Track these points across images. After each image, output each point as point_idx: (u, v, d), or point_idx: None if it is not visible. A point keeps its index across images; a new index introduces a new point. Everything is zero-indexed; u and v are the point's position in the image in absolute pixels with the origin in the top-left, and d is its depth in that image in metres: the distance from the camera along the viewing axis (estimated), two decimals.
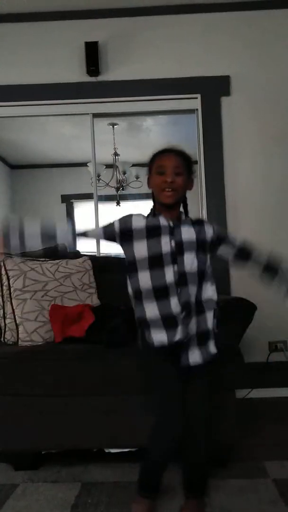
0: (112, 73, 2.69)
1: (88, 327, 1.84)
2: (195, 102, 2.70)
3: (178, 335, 1.31)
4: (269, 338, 2.60)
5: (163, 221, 1.38)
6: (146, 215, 1.44)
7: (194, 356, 1.35)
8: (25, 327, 1.89)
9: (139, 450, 1.59)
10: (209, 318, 1.38)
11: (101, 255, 2.80)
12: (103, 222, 2.96)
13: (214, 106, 2.68)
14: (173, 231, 1.36)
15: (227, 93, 2.68)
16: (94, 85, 2.68)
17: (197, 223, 1.41)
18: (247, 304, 1.78)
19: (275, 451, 1.80)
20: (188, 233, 1.36)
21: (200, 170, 2.74)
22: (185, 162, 1.39)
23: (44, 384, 1.65)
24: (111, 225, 1.43)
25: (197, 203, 2.80)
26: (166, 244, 1.33)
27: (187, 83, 2.67)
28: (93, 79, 2.68)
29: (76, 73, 2.68)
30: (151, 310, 1.33)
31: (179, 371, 1.35)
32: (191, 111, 2.76)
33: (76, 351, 1.72)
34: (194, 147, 2.79)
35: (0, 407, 1.68)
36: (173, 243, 1.34)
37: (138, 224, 1.39)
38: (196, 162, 2.79)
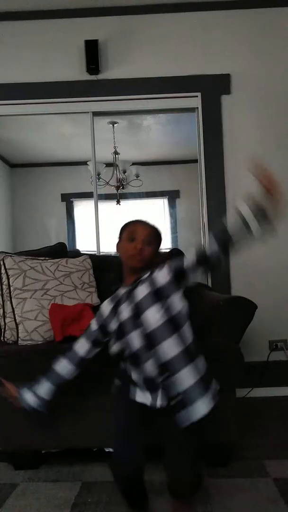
0: (112, 71, 2.68)
1: None
2: (195, 100, 2.70)
3: (160, 401, 1.21)
4: (269, 337, 2.60)
5: (121, 291, 1.35)
6: (114, 289, 1.41)
7: (202, 407, 1.19)
8: (25, 326, 1.89)
9: None
10: (200, 361, 1.24)
11: (101, 254, 2.80)
12: (103, 220, 2.96)
13: (214, 104, 2.68)
14: (130, 295, 1.29)
15: (227, 91, 2.67)
16: (94, 83, 2.68)
17: (152, 273, 1.30)
18: (247, 303, 1.78)
19: (275, 450, 1.80)
20: (143, 290, 1.27)
21: (200, 169, 2.73)
22: (157, 236, 1.36)
23: (37, 378, 1.64)
24: (89, 327, 1.41)
25: (197, 203, 2.80)
26: (126, 310, 1.29)
27: (187, 81, 2.66)
28: (93, 77, 2.67)
29: (76, 71, 2.68)
30: (134, 373, 1.28)
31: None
32: (191, 109, 2.76)
33: None
34: (194, 146, 2.78)
35: (0, 406, 1.67)
36: (131, 308, 1.27)
37: (106, 311, 1.37)
38: (195, 161, 2.79)
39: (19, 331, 1.89)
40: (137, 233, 1.33)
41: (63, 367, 1.40)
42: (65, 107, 2.73)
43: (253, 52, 2.67)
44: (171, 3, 2.64)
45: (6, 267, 2.01)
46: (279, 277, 2.63)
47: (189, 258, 1.26)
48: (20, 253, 2.19)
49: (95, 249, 2.81)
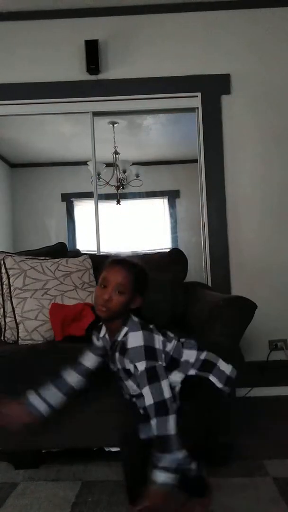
0: (112, 71, 2.68)
1: (88, 326, 1.84)
2: (195, 100, 2.70)
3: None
4: (269, 337, 2.60)
5: (106, 344, 1.35)
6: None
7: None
8: (25, 325, 1.89)
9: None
10: None
11: (101, 254, 2.80)
12: (103, 220, 2.97)
13: (214, 104, 2.68)
14: (114, 358, 1.29)
15: (227, 91, 2.67)
16: (94, 83, 2.68)
17: (123, 350, 1.25)
18: (247, 302, 1.77)
19: (275, 449, 1.79)
20: (118, 360, 1.27)
21: (200, 169, 2.74)
22: (135, 279, 1.25)
23: (44, 383, 1.64)
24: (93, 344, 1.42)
25: (197, 203, 2.80)
26: (114, 367, 1.33)
27: (187, 81, 2.67)
28: (93, 77, 2.68)
29: (76, 71, 2.68)
30: None
31: None
32: (191, 109, 2.76)
33: (76, 350, 1.71)
34: (194, 146, 2.79)
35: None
36: (116, 369, 1.31)
37: (98, 343, 1.40)
38: (195, 161, 2.79)
39: (19, 330, 1.90)
40: (109, 280, 1.23)
41: (73, 377, 1.39)
42: (65, 107, 2.73)
43: (253, 52, 2.68)
44: (171, 3, 2.64)
45: (7, 266, 2.01)
46: (279, 277, 2.63)
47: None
48: (20, 253, 2.20)
49: (95, 249, 2.81)
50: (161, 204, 4.03)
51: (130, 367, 1.22)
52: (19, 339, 1.89)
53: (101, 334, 1.38)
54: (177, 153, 3.75)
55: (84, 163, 3.06)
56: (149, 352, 1.19)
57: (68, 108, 2.75)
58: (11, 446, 1.70)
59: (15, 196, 3.98)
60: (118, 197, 3.70)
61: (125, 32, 2.68)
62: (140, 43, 2.69)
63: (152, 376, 1.16)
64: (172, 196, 4.01)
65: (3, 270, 2.01)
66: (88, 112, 2.77)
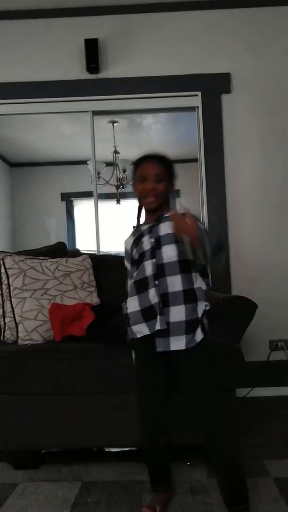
0: (112, 70, 2.67)
1: (88, 326, 1.83)
2: (195, 99, 2.69)
3: (158, 325, 1.34)
4: (269, 337, 2.59)
5: (144, 226, 1.48)
6: (134, 226, 1.54)
7: (178, 343, 1.35)
8: (25, 326, 1.89)
9: (139, 449, 1.59)
10: (199, 307, 1.38)
11: (100, 253, 2.79)
12: (103, 220, 2.96)
13: (214, 103, 2.67)
14: (152, 229, 1.44)
15: (227, 90, 2.66)
16: (94, 82, 2.67)
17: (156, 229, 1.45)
18: (248, 302, 1.77)
19: (275, 450, 1.79)
20: (166, 227, 1.41)
21: (201, 168, 2.73)
22: (167, 167, 1.46)
23: (44, 383, 1.64)
24: (125, 268, 1.55)
25: (197, 202, 2.80)
26: (147, 242, 1.42)
27: (188, 80, 2.66)
28: (93, 76, 2.67)
29: (76, 70, 2.67)
30: (133, 304, 1.41)
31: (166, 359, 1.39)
32: (192, 108, 2.75)
33: (76, 350, 1.71)
34: (194, 145, 2.78)
35: (0, 406, 1.67)
36: (152, 240, 1.41)
37: (129, 245, 1.50)
38: (196, 160, 2.78)
39: (19, 330, 1.89)
40: (147, 173, 1.42)
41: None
42: (65, 106, 2.73)
43: (253, 51, 2.67)
44: (171, 2, 2.63)
45: (6, 266, 2.00)
46: (280, 276, 2.62)
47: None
48: (19, 253, 2.19)
49: (95, 249, 2.81)
50: None
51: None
52: (19, 339, 1.89)
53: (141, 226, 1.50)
54: (177, 152, 3.72)
55: (84, 162, 3.05)
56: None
57: (68, 107, 2.74)
58: (11, 446, 1.70)
59: (14, 196, 3.98)
60: (118, 197, 3.69)
61: (125, 31, 2.67)
62: (140, 42, 2.68)
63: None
64: (172, 195, 4.00)
65: (3, 270, 2.01)
66: (88, 111, 2.76)
